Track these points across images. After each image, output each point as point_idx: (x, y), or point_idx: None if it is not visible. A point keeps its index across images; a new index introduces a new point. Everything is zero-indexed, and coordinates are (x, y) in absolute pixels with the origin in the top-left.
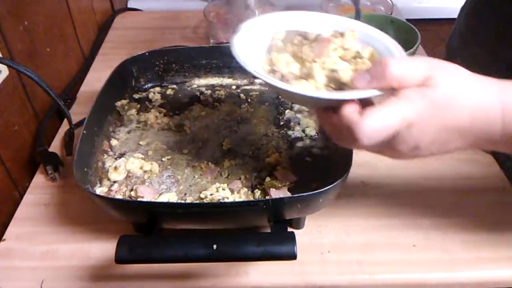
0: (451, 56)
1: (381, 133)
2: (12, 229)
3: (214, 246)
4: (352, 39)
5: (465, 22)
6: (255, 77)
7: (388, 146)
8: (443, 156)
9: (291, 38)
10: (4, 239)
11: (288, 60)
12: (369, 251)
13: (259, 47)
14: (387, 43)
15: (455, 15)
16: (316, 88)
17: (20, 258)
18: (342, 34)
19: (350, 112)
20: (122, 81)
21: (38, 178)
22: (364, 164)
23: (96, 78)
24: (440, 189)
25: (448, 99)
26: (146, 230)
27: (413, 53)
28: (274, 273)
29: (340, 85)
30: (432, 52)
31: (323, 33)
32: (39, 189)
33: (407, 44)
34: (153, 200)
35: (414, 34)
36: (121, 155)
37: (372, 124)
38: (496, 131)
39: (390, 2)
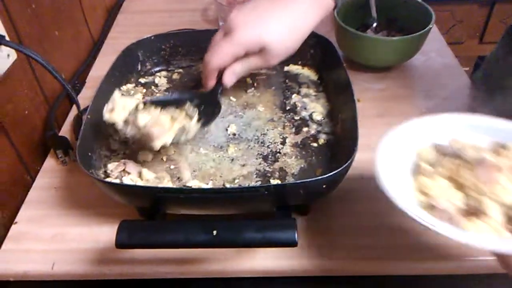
0: None
1: None
2: (23, 212)
3: (214, 232)
4: None
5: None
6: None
7: None
8: None
9: (441, 158)
10: (16, 222)
11: (444, 186)
12: (378, 235)
13: (400, 166)
14: None
15: None
16: (494, 230)
17: (32, 241)
18: (504, 147)
19: None
20: (128, 66)
21: (49, 162)
22: (373, 146)
23: (106, 62)
24: None
25: None
26: (149, 215)
27: (426, 34)
28: (281, 257)
29: None
30: (447, 33)
31: (480, 144)
32: (50, 173)
33: (421, 24)
34: (140, 180)
35: (428, 14)
36: (126, 140)
37: None
38: None
39: None
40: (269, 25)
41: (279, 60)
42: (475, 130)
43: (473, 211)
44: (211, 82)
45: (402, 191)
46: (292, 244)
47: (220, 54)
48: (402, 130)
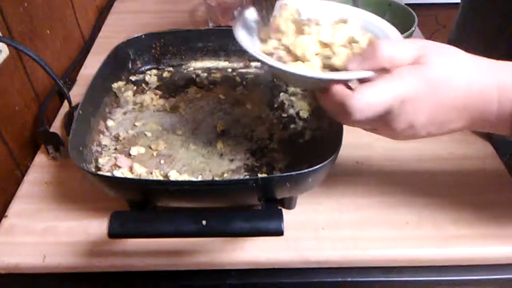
0: None
1: (373, 107)
2: (14, 207)
3: (203, 222)
4: (356, 27)
5: (462, 17)
6: (253, 60)
7: (382, 124)
8: (439, 138)
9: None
10: (7, 216)
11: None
12: (362, 228)
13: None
14: (386, 29)
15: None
16: (312, 69)
17: (22, 234)
18: (345, 21)
19: (342, 88)
20: (119, 63)
21: (40, 158)
22: (359, 145)
23: (96, 61)
24: (434, 169)
25: (442, 76)
26: (140, 208)
27: (409, 36)
28: (269, 249)
29: (334, 69)
30: (431, 37)
31: (328, 19)
32: (41, 168)
33: (405, 27)
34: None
35: (411, 17)
36: (116, 136)
37: (363, 98)
38: (492, 111)
39: None
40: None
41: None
42: (325, 11)
43: (300, 59)
44: None
45: (253, 44)
46: (278, 233)
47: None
48: None
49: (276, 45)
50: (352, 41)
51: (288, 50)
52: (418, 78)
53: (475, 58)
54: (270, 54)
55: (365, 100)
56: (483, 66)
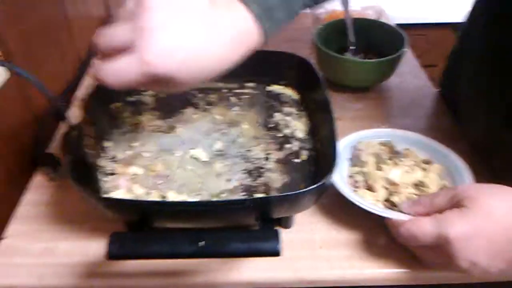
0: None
1: (418, 238)
2: (11, 228)
3: (200, 243)
4: (436, 170)
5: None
6: (246, 81)
7: (448, 260)
8: None
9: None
10: (4, 237)
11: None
12: (359, 247)
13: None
14: (464, 173)
15: (443, 20)
16: (376, 201)
17: (20, 256)
18: (429, 162)
19: (393, 220)
20: None
21: (37, 179)
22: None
23: (92, 82)
24: None
25: (486, 211)
26: (137, 229)
27: (400, 56)
28: (266, 269)
29: (393, 204)
30: (420, 57)
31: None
32: (39, 189)
33: (396, 48)
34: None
35: (402, 38)
36: (114, 157)
37: (406, 226)
38: None
39: (380, 7)
40: (189, 54)
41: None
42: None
43: (368, 187)
44: None
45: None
46: (275, 253)
47: (119, 77)
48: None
49: (358, 171)
50: (420, 185)
51: (364, 177)
52: (463, 217)
53: None
54: (352, 176)
55: (407, 227)
56: None
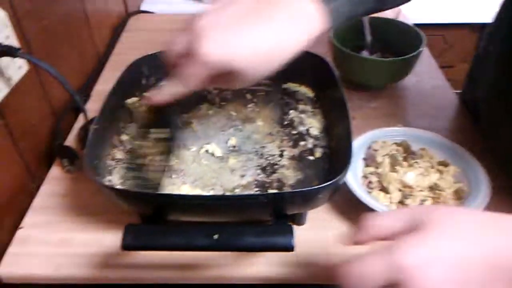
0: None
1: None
2: (29, 218)
3: (215, 236)
4: (451, 172)
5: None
6: None
7: None
8: None
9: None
10: (22, 227)
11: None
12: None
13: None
14: (480, 176)
15: (461, 20)
16: (390, 203)
17: (37, 245)
18: (446, 165)
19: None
20: (133, 80)
21: (55, 171)
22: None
23: (110, 77)
24: None
25: (445, 238)
26: (152, 222)
27: (417, 56)
28: (280, 264)
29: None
30: (439, 56)
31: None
32: (56, 181)
33: (414, 47)
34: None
35: (419, 38)
36: (131, 150)
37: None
38: None
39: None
40: (245, 43)
41: (245, 86)
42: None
43: (382, 188)
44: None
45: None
46: (289, 248)
47: (186, 77)
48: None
49: (372, 171)
50: (435, 187)
51: (379, 178)
52: (420, 241)
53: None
54: (366, 176)
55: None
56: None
